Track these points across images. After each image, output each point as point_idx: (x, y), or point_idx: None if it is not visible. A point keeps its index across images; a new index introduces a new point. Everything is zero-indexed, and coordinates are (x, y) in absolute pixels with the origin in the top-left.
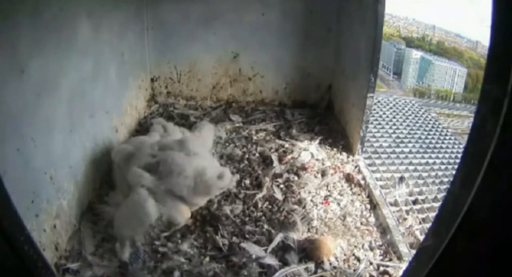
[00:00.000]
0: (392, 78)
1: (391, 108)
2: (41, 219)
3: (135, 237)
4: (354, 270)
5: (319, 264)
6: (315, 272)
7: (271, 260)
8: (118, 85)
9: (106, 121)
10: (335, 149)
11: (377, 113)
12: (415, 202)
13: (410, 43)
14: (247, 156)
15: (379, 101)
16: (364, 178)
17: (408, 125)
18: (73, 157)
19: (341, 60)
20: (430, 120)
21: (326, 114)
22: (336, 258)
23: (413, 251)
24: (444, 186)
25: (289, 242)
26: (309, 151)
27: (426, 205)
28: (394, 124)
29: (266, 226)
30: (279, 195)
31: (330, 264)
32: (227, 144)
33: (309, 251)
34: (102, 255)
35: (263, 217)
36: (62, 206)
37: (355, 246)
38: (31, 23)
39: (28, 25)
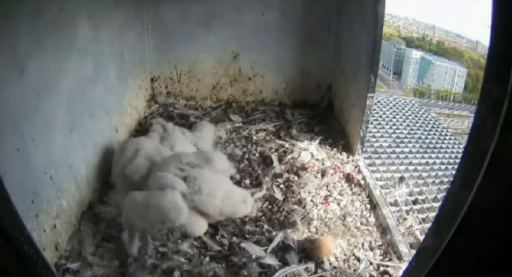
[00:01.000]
0: (392, 78)
1: (391, 108)
2: (41, 219)
3: (147, 231)
4: (354, 270)
5: (319, 264)
6: (315, 272)
7: (271, 260)
8: (118, 85)
9: (106, 121)
10: (335, 149)
11: (377, 113)
12: (415, 202)
13: (410, 43)
14: (247, 156)
15: (379, 101)
16: (364, 178)
17: (408, 125)
18: (73, 157)
19: (341, 60)
20: (430, 120)
21: (326, 114)
22: (336, 258)
23: (413, 251)
24: (444, 186)
25: (289, 242)
26: (309, 151)
27: (426, 205)
28: (394, 124)
29: (266, 226)
30: (279, 195)
31: (330, 264)
32: (227, 144)
33: (309, 251)
34: (102, 255)
35: (263, 217)
36: (62, 206)
37: (355, 246)
38: (31, 23)
39: (28, 25)
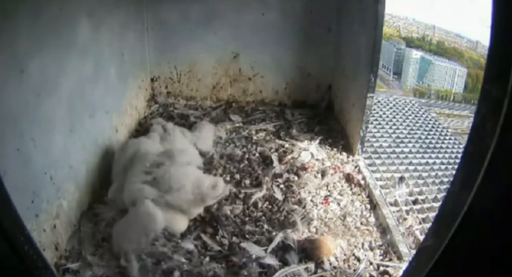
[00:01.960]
0: (392, 78)
1: (391, 108)
2: (41, 219)
3: (139, 250)
4: (354, 270)
5: (319, 264)
6: (315, 272)
7: (271, 260)
8: (118, 85)
9: (106, 121)
10: (335, 149)
11: (377, 113)
12: (415, 202)
13: (410, 43)
14: (247, 156)
15: (379, 101)
16: (364, 178)
17: (408, 125)
18: (73, 157)
19: (341, 60)
20: (430, 120)
21: (326, 114)
22: (336, 258)
23: (413, 251)
24: (444, 186)
25: (289, 242)
26: (309, 151)
27: (426, 205)
28: (394, 124)
29: (266, 226)
30: (279, 195)
31: (330, 264)
32: (227, 144)
33: (309, 251)
34: (102, 255)
35: (263, 217)
36: (62, 206)
37: (355, 246)
38: (31, 23)
39: (28, 25)
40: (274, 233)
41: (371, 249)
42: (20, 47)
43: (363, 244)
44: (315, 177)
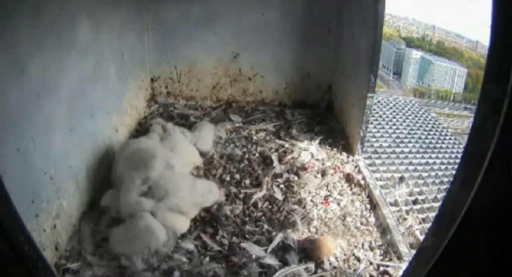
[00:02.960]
0: (392, 78)
1: (391, 108)
2: (41, 219)
3: (142, 255)
4: (354, 270)
5: (319, 264)
6: (315, 272)
7: (271, 260)
8: (118, 85)
9: (106, 121)
10: (335, 149)
11: (377, 113)
12: (415, 202)
13: (410, 43)
14: (247, 156)
15: (379, 101)
16: (364, 178)
17: (408, 125)
18: (73, 157)
19: (341, 60)
20: (430, 120)
21: (326, 114)
22: (336, 258)
23: (413, 251)
24: (444, 186)
25: (289, 242)
26: (309, 151)
27: (426, 205)
28: (394, 124)
29: (266, 226)
30: (279, 195)
31: (330, 264)
32: (227, 144)
33: (309, 251)
34: (102, 255)
35: (263, 217)
36: (62, 206)
37: (355, 246)
38: (31, 23)
39: (28, 25)
40: (274, 233)
41: (371, 249)
42: (20, 47)
43: (363, 244)
44: (315, 177)
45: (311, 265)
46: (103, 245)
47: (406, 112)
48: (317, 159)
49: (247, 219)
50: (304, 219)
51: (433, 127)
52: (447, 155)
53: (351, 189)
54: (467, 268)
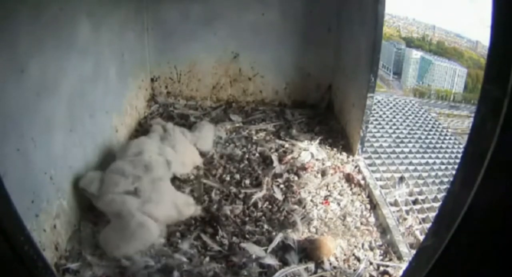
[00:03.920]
0: (392, 78)
1: (391, 108)
2: (41, 219)
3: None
4: (354, 270)
5: (319, 264)
6: (315, 272)
7: (271, 260)
8: (118, 85)
9: (106, 121)
10: (335, 149)
11: (377, 113)
12: (415, 202)
13: (410, 43)
14: (247, 156)
15: (379, 101)
16: (364, 178)
17: (408, 125)
18: (73, 157)
19: (341, 60)
20: (430, 120)
21: (326, 114)
22: (336, 258)
23: (413, 251)
24: (444, 186)
25: (289, 242)
26: (309, 151)
27: (426, 205)
28: (394, 124)
29: (266, 226)
30: (279, 195)
31: (330, 264)
32: (227, 144)
33: (309, 251)
34: (102, 255)
35: (263, 217)
36: (62, 206)
37: (355, 246)
38: (31, 23)
39: (28, 25)
40: (274, 233)
41: (371, 249)
42: (20, 47)
43: (363, 244)
44: (315, 177)
45: (311, 265)
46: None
47: (406, 112)
48: (317, 159)
49: (247, 219)
50: (304, 219)
51: (433, 127)
52: (447, 155)
53: (351, 189)
54: (467, 268)
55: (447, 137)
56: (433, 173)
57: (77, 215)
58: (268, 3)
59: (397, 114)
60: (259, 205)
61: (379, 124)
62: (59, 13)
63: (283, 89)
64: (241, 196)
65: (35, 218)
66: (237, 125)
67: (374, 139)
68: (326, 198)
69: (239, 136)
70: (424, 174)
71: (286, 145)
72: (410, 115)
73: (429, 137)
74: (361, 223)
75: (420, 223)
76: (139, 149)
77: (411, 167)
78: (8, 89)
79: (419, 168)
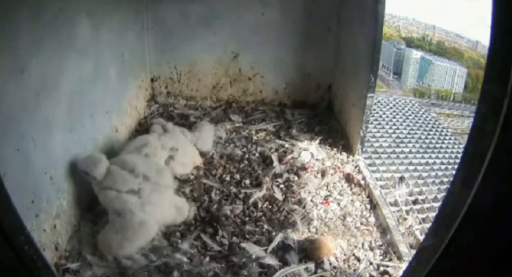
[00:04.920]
0: (392, 78)
1: (391, 108)
2: (41, 219)
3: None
4: (354, 270)
5: (319, 264)
6: (315, 272)
7: (271, 260)
8: (118, 85)
9: (106, 121)
10: (335, 149)
11: (377, 113)
12: (415, 202)
13: (410, 43)
14: (247, 156)
15: (379, 101)
16: (364, 178)
17: (408, 125)
18: (73, 157)
19: (341, 60)
20: (430, 120)
21: (326, 114)
22: (336, 258)
23: (413, 251)
24: (444, 186)
25: (289, 242)
26: (309, 151)
27: (426, 205)
28: (394, 124)
29: (266, 226)
30: (279, 195)
31: (330, 264)
32: (227, 144)
33: (309, 251)
34: (102, 255)
35: (263, 217)
36: (62, 206)
37: (355, 246)
38: (31, 23)
39: (28, 25)
40: (274, 233)
41: (371, 249)
42: (20, 47)
43: (363, 244)
44: (315, 177)
45: (311, 265)
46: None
47: (406, 112)
48: (317, 159)
49: (247, 219)
50: (304, 219)
51: (433, 127)
52: (447, 155)
53: (351, 189)
54: (467, 268)
55: (447, 137)
56: (433, 173)
57: (77, 215)
58: (268, 3)
59: (397, 114)
60: (259, 205)
61: (379, 124)
62: (59, 13)
63: (283, 89)
64: (241, 196)
65: (35, 218)
66: (237, 125)
67: (374, 139)
68: (326, 198)
69: (239, 136)
70: (424, 174)
71: (286, 145)
72: (410, 115)
73: (429, 137)
74: (361, 223)
75: (420, 223)
76: (144, 143)
77: (411, 167)
78: (8, 89)
79: (419, 168)
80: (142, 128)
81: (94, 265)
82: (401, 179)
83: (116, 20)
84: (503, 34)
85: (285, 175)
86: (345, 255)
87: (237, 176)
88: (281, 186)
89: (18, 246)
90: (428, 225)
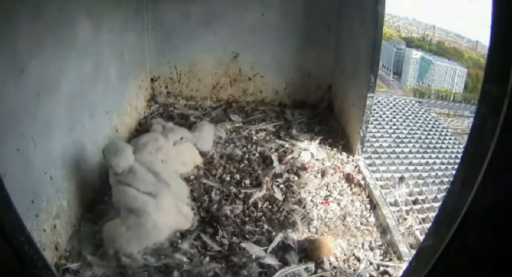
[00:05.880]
0: (392, 78)
1: (391, 108)
2: (41, 219)
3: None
4: (354, 270)
5: (319, 264)
6: (315, 272)
7: (271, 260)
8: (118, 85)
9: (106, 121)
10: (335, 149)
11: (377, 113)
12: (415, 202)
13: (410, 43)
14: (247, 156)
15: (379, 101)
16: (364, 178)
17: (408, 125)
18: (73, 157)
19: (341, 60)
20: (430, 120)
21: (326, 114)
22: (336, 258)
23: (413, 251)
24: (444, 186)
25: (289, 242)
26: (309, 151)
27: (426, 205)
28: (394, 124)
29: (266, 226)
30: (279, 195)
31: (330, 264)
32: (227, 144)
33: (309, 251)
34: (102, 255)
35: (263, 217)
36: (62, 206)
37: (355, 246)
38: (31, 23)
39: (28, 25)
40: (274, 233)
41: (371, 249)
42: (20, 47)
43: (363, 244)
44: (315, 177)
45: (311, 265)
46: (103, 245)
47: (406, 112)
48: (317, 159)
49: (247, 219)
50: (304, 219)
51: (433, 127)
52: (447, 155)
53: (351, 189)
54: (467, 268)
55: (447, 137)
56: (433, 173)
57: (77, 215)
58: (268, 3)
59: (397, 114)
60: (259, 205)
61: (379, 124)
62: (59, 13)
63: (283, 89)
64: (241, 196)
65: (35, 218)
66: (237, 125)
67: (374, 139)
68: (326, 198)
69: (239, 136)
70: (424, 174)
71: (286, 145)
72: (410, 115)
73: (429, 137)
74: (361, 223)
75: (420, 223)
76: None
77: (411, 167)
78: (8, 89)
79: (419, 168)
80: (142, 128)
81: (94, 265)
82: (401, 179)
83: (116, 20)
84: (503, 34)
85: (285, 175)
86: (345, 255)
87: (237, 176)
88: (281, 186)
89: (18, 246)
90: (428, 225)
